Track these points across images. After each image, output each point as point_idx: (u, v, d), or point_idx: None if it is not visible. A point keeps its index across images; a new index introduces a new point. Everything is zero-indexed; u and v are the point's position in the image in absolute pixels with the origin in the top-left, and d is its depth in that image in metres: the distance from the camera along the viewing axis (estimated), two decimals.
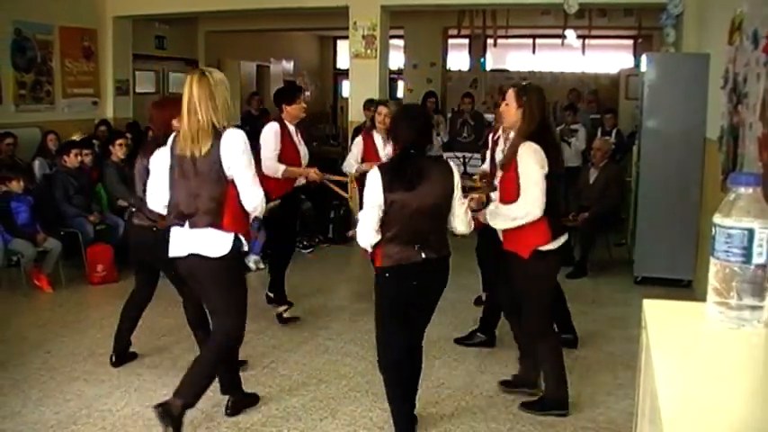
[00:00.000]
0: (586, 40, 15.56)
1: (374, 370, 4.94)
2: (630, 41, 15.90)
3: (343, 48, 17.68)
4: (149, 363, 5.25)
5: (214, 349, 4.14)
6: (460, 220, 3.94)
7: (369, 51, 9.64)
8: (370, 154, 6.49)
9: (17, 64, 9.64)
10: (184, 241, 3.99)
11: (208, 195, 3.90)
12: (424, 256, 3.82)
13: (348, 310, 6.54)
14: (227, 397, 4.56)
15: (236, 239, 3.97)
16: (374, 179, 3.80)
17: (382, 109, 6.49)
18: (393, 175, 3.78)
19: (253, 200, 3.96)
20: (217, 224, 3.91)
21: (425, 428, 4.30)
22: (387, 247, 3.83)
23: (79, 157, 7.83)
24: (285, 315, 6.11)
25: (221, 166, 3.87)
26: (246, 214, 4.04)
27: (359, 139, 6.72)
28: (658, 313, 1.65)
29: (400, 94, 15.08)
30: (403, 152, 3.86)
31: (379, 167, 3.90)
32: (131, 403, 4.58)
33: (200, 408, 4.50)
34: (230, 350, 4.28)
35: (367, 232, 3.82)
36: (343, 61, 18.20)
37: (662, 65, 7.52)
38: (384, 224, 3.81)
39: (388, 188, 3.76)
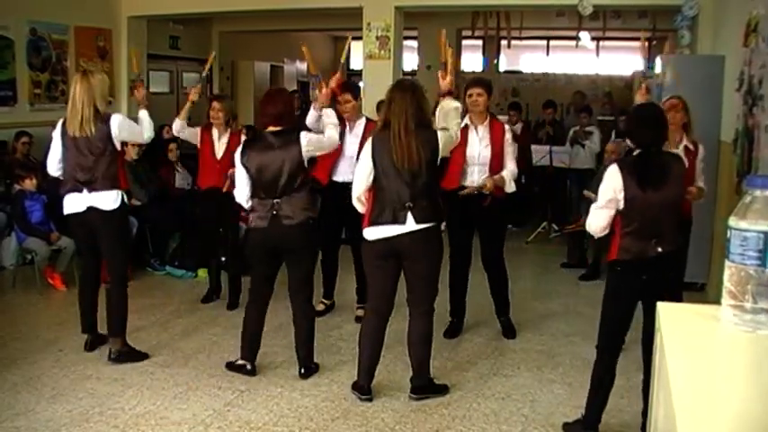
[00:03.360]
0: (600, 42, 15.51)
1: (386, 372, 4.96)
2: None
3: (357, 48, 17.66)
4: (162, 361, 5.27)
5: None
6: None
7: (382, 52, 9.63)
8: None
9: (32, 63, 9.67)
10: None
11: None
12: (660, 250, 3.91)
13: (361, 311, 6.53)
14: (237, 396, 4.60)
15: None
16: (613, 175, 3.90)
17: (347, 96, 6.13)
18: (638, 174, 3.86)
19: None
20: None
21: (437, 430, 4.30)
22: (624, 241, 3.93)
23: None
24: None
25: None
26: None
27: None
28: (672, 316, 1.65)
29: None
30: (646, 151, 3.91)
31: (619, 163, 3.97)
32: (143, 402, 4.60)
33: (211, 406, 4.52)
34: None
35: (599, 226, 3.98)
36: (356, 62, 18.20)
37: (676, 67, 7.49)
38: (623, 218, 3.92)
39: (629, 185, 3.85)
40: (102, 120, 5.08)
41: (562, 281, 7.67)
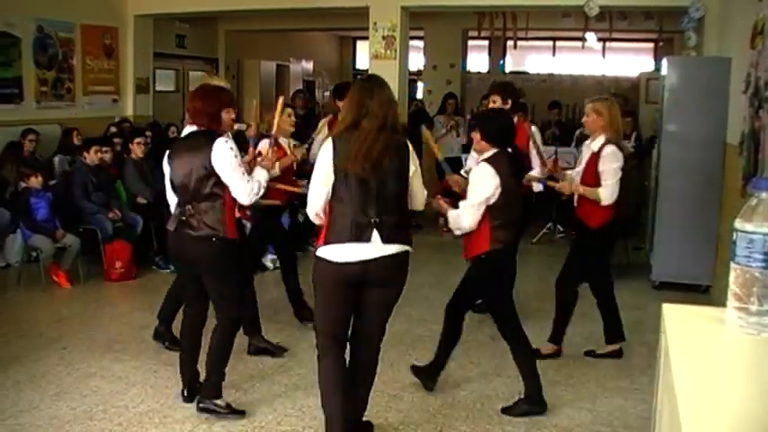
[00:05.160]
0: (607, 43, 15.49)
1: (389, 371, 4.96)
2: (651, 45, 15.83)
3: (362, 48, 17.69)
4: (165, 360, 5.27)
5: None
6: None
7: (388, 52, 9.64)
8: None
9: (39, 61, 9.70)
10: None
11: None
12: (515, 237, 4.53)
13: None
14: (241, 394, 4.62)
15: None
16: (490, 174, 4.30)
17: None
18: (512, 171, 4.43)
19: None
20: None
21: (440, 430, 4.29)
22: (495, 233, 4.35)
23: (99, 154, 7.87)
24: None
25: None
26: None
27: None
28: (678, 318, 1.64)
29: (419, 95, 15.09)
30: (509, 151, 4.49)
31: (491, 162, 4.35)
32: (147, 400, 4.60)
33: None
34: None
35: (474, 222, 4.33)
36: (362, 62, 18.21)
37: (683, 68, 7.48)
38: (493, 211, 4.32)
39: (504, 182, 4.29)
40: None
41: None
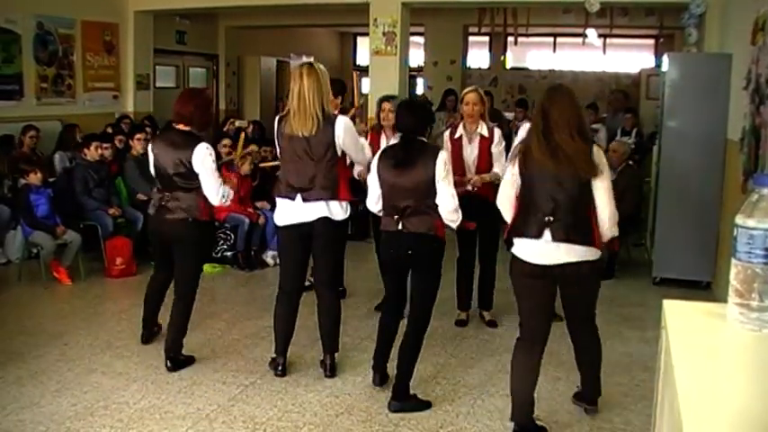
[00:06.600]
0: (607, 40, 15.49)
1: (391, 368, 4.96)
2: (652, 41, 15.82)
3: (363, 44, 17.68)
4: None
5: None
6: None
7: (389, 48, 9.63)
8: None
9: (39, 58, 9.70)
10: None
11: None
12: (400, 227, 4.47)
13: (365, 307, 6.53)
14: (241, 391, 4.61)
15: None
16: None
17: (386, 105, 6.26)
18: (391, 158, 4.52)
19: None
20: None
21: (441, 426, 4.30)
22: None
23: (99, 151, 7.87)
24: None
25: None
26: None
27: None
28: (678, 314, 1.64)
29: (420, 91, 15.08)
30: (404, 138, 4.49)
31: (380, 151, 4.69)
32: (148, 396, 4.61)
33: (216, 401, 4.53)
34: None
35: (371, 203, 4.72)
36: (363, 58, 18.20)
37: (683, 65, 7.47)
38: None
39: (381, 168, 4.52)
40: (328, 120, 4.63)
41: None
